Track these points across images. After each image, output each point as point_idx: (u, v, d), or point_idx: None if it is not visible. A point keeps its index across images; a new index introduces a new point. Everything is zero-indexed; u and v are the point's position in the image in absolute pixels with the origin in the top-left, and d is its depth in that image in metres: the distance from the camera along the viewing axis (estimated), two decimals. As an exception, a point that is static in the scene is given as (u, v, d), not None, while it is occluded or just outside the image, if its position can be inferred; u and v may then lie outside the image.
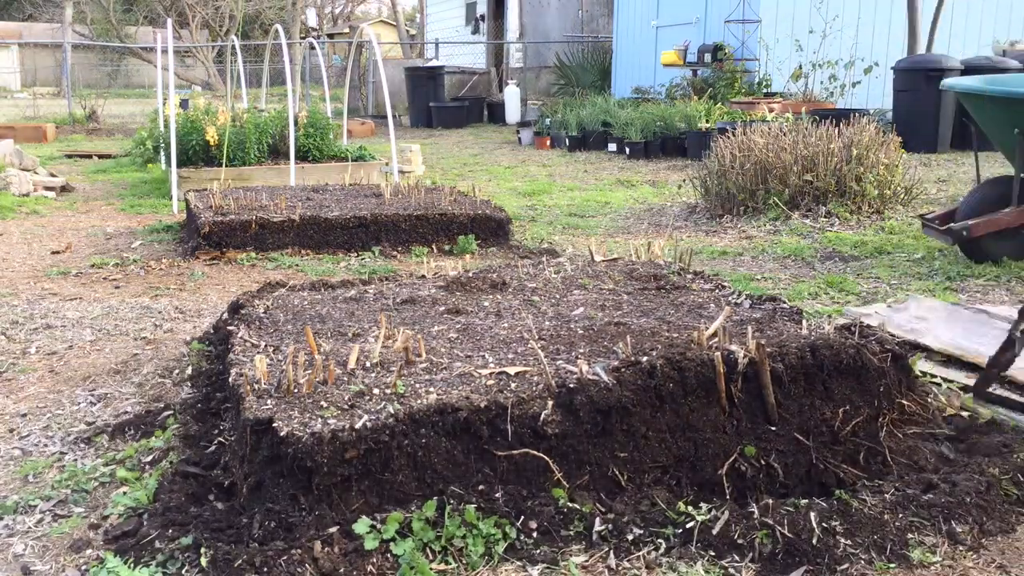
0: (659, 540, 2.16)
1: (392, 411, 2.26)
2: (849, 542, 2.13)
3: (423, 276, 3.76)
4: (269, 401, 2.36)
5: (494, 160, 11.54)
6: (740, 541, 2.13)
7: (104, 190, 8.77)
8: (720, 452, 2.38)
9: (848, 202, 6.69)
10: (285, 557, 2.00)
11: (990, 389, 2.99)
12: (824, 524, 2.16)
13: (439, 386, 2.43)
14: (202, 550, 2.06)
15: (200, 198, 6.35)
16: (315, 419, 2.24)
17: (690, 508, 2.24)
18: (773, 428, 2.42)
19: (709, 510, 2.23)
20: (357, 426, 2.19)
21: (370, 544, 2.07)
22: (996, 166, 8.39)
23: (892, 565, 2.09)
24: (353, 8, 38.66)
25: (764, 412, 2.43)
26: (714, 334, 2.62)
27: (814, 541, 2.12)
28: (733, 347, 2.48)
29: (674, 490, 2.36)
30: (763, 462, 2.39)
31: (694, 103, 12.02)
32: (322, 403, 2.33)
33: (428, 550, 2.10)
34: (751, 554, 2.11)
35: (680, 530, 2.17)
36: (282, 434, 2.17)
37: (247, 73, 12.36)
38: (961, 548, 2.16)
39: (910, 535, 2.17)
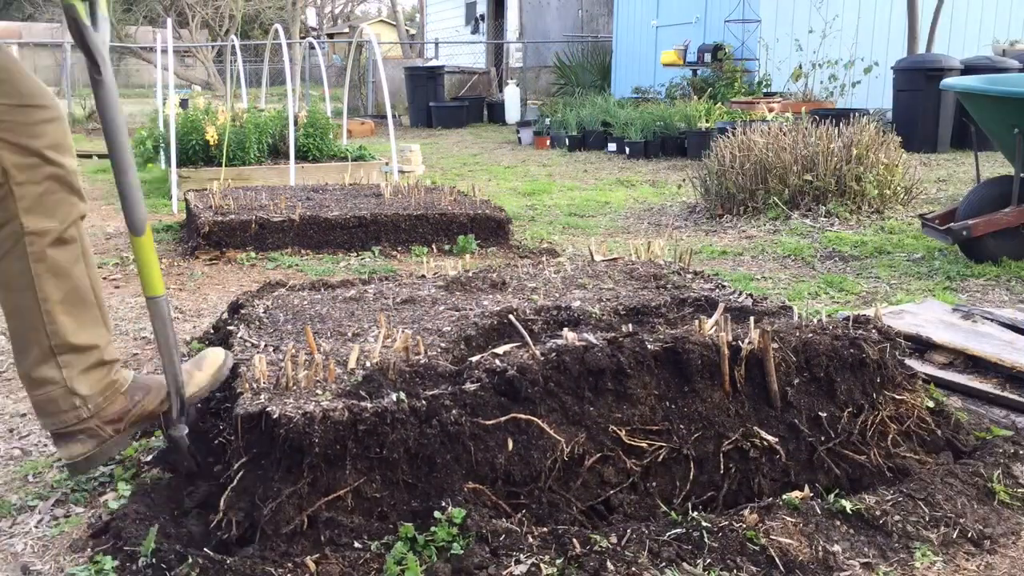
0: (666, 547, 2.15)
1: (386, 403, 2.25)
2: (847, 545, 2.13)
3: (423, 276, 3.76)
4: (263, 396, 2.35)
5: (494, 160, 11.54)
6: (743, 543, 2.13)
7: (104, 190, 8.76)
8: (725, 434, 2.41)
9: (848, 202, 6.69)
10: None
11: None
12: (826, 522, 2.16)
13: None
14: (202, 550, 2.06)
15: (200, 198, 6.35)
16: (309, 403, 2.23)
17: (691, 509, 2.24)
18: (776, 414, 2.44)
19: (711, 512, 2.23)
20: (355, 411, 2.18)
21: (370, 544, 2.06)
22: (996, 166, 8.40)
23: (892, 569, 2.09)
24: (353, 8, 38.69)
25: (767, 398, 2.45)
26: (714, 324, 2.63)
27: (819, 548, 2.12)
28: (738, 333, 2.49)
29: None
30: (765, 444, 2.41)
31: (694, 103, 12.02)
32: (318, 391, 2.33)
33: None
34: (753, 555, 2.11)
35: (684, 531, 2.17)
36: (275, 416, 2.15)
37: (247, 73, 12.36)
38: (961, 551, 2.16)
39: (912, 538, 2.17)
